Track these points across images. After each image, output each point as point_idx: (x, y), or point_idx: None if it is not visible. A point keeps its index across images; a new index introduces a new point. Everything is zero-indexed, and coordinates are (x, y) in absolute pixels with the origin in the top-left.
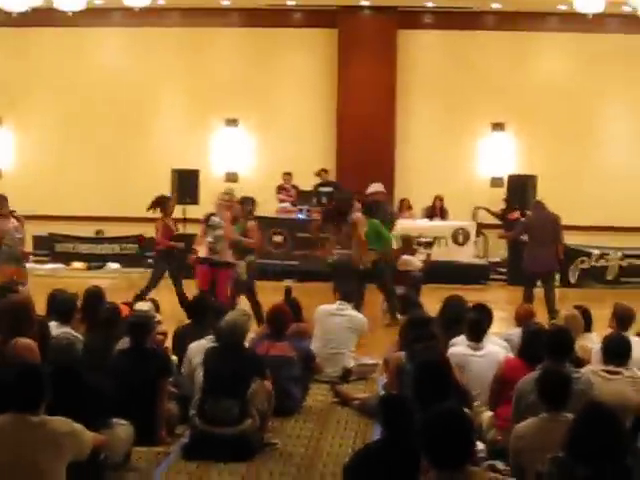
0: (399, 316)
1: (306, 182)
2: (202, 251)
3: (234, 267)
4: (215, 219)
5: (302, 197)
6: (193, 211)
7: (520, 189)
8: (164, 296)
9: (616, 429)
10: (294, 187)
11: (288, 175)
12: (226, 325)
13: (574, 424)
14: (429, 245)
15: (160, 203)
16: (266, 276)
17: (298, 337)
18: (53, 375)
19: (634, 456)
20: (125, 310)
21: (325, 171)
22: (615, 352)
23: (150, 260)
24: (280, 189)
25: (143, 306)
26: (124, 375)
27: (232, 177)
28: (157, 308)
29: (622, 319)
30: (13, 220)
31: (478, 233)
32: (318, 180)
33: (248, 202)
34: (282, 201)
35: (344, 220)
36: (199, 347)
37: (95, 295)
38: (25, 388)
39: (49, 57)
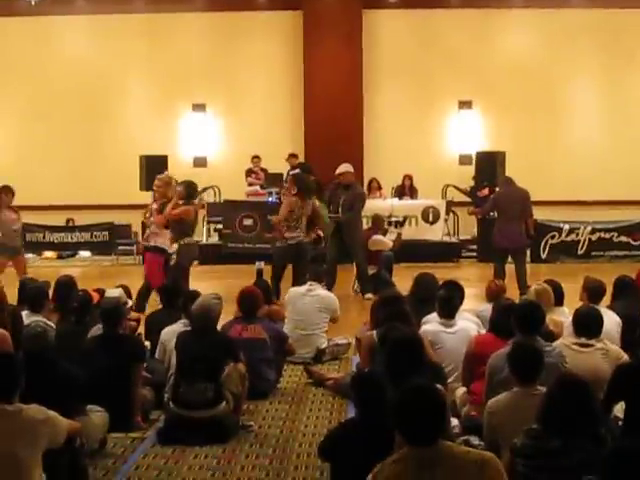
0: (370, 295)
1: (275, 165)
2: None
3: (165, 252)
4: (153, 205)
5: (271, 180)
6: None
7: (489, 166)
8: (138, 282)
9: (588, 400)
10: (263, 170)
11: (257, 158)
12: (198, 309)
13: (546, 397)
14: (400, 224)
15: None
16: (237, 259)
17: (270, 319)
18: (26, 363)
19: (607, 427)
20: (96, 297)
21: (294, 156)
22: (586, 325)
23: (120, 248)
24: (249, 172)
25: (114, 292)
26: (97, 362)
27: (200, 162)
28: (129, 294)
29: (592, 292)
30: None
31: (448, 211)
32: (288, 166)
33: (186, 186)
34: (251, 184)
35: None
36: (172, 332)
37: (67, 284)
38: None
39: (13, 46)
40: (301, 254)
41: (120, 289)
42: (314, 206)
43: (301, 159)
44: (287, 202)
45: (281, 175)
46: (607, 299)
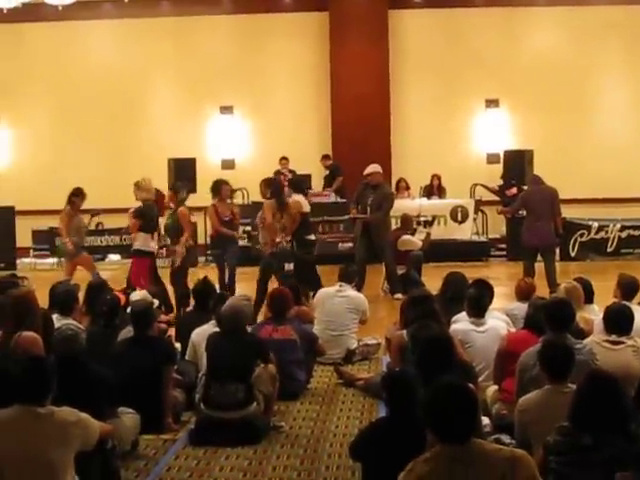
0: (400, 295)
1: (303, 166)
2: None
3: (149, 254)
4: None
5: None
6: (191, 199)
7: (517, 164)
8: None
9: (619, 397)
10: (291, 172)
11: (285, 160)
12: (227, 310)
13: (577, 394)
14: (429, 224)
15: (214, 189)
16: None
17: (300, 320)
18: (58, 366)
19: (638, 423)
20: (123, 299)
21: (327, 157)
22: (617, 322)
23: None
24: (277, 174)
25: (139, 294)
26: (129, 364)
27: (228, 164)
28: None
29: (627, 289)
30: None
31: (476, 210)
32: (322, 167)
33: (179, 189)
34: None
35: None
36: (203, 333)
37: (98, 287)
38: (31, 380)
39: (41, 52)
40: (281, 259)
41: (144, 291)
42: (291, 208)
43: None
44: (266, 205)
45: (310, 176)
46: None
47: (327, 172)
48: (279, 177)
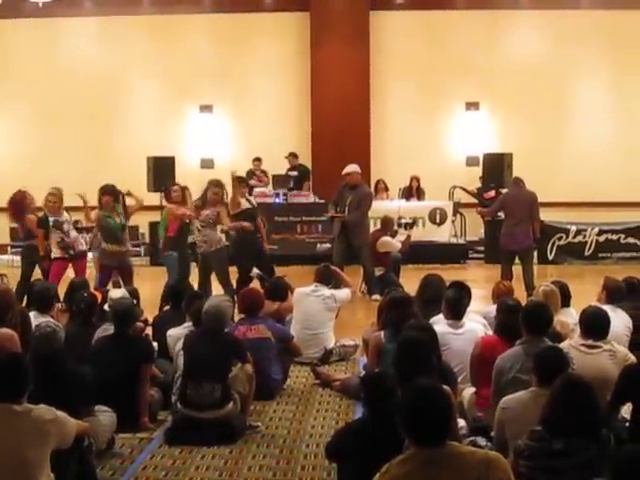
0: (377, 296)
1: (282, 166)
2: None
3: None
4: None
5: (277, 181)
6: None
7: (496, 167)
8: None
9: (592, 403)
10: (263, 172)
11: (258, 161)
12: (209, 309)
13: (550, 398)
14: (410, 226)
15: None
16: None
17: (278, 317)
18: (36, 363)
19: (611, 428)
20: (99, 297)
21: (294, 155)
22: (594, 326)
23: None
24: (251, 175)
25: (117, 293)
26: (107, 362)
27: (208, 163)
28: (136, 296)
29: (613, 293)
30: None
31: (455, 213)
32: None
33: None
34: (254, 187)
35: None
36: (178, 334)
37: (80, 285)
38: (7, 377)
39: (21, 49)
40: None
41: (123, 289)
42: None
43: (308, 160)
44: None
45: (287, 176)
46: None
47: (295, 173)
48: (252, 177)
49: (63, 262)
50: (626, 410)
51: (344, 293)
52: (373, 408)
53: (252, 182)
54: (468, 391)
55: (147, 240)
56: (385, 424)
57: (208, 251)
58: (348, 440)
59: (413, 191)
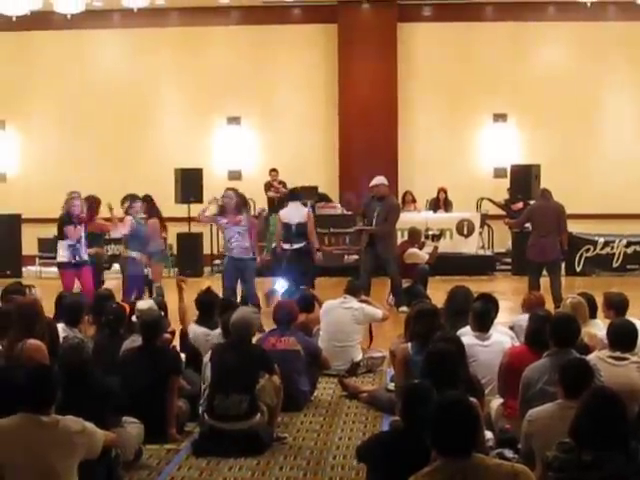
0: (405, 308)
1: (309, 178)
2: None
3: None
4: None
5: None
6: (197, 209)
7: (523, 179)
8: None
9: (620, 414)
10: (281, 183)
11: (275, 172)
12: (236, 320)
13: (579, 410)
14: (437, 238)
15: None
16: None
17: (305, 330)
18: (64, 375)
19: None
20: (127, 308)
21: (275, 171)
22: (621, 338)
23: None
24: (269, 186)
25: (145, 304)
26: (135, 373)
27: (235, 175)
28: (165, 308)
29: (617, 307)
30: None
31: (482, 224)
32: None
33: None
34: (272, 198)
35: None
36: (202, 332)
37: (105, 297)
38: (36, 389)
39: (50, 60)
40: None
41: (151, 301)
42: None
43: (335, 172)
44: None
45: (314, 188)
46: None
47: (277, 194)
48: (270, 189)
49: (69, 272)
50: None
51: (374, 310)
52: (409, 418)
53: (270, 194)
54: (495, 402)
55: (174, 252)
56: (418, 435)
57: (246, 257)
58: (377, 451)
59: (440, 203)
